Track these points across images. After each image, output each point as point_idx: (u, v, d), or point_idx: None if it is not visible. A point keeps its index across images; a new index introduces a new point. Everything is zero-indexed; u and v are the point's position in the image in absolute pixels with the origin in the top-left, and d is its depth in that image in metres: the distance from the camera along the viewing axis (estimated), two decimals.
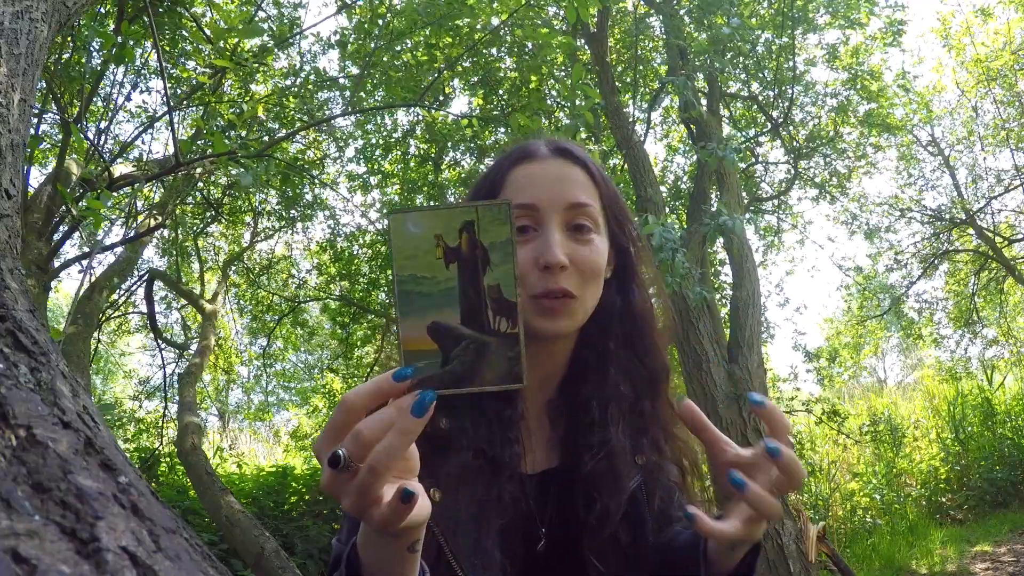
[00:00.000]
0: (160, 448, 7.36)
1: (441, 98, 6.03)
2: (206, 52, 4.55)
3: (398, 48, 5.85)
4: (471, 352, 0.61)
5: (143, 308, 7.45)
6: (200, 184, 6.49)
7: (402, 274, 0.61)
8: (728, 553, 0.80)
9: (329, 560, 0.84)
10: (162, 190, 6.36)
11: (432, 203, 6.99)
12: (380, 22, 5.54)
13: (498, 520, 0.87)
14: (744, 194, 6.77)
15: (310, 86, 6.14)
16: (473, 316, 0.62)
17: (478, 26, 5.77)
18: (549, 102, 6.14)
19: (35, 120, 4.21)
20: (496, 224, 0.62)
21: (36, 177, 5.36)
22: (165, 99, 3.21)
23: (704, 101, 6.28)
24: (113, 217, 6.33)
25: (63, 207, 4.04)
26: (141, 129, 5.78)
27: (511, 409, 0.91)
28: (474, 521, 0.85)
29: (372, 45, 5.53)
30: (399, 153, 7.20)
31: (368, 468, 0.55)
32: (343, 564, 0.69)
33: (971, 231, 9.70)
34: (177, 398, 6.43)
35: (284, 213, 7.54)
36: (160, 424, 7.63)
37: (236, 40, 4.59)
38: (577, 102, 4.91)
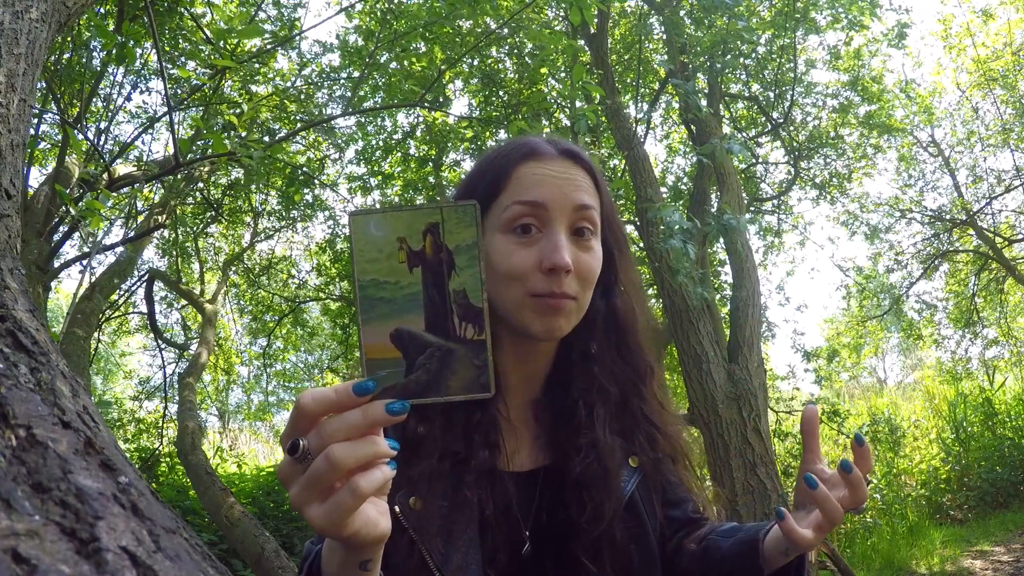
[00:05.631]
0: (160, 448, 7.37)
1: (441, 99, 6.03)
2: (206, 52, 4.55)
3: (399, 49, 5.85)
4: (436, 360, 0.59)
5: (143, 308, 7.47)
6: (200, 184, 6.50)
7: (363, 278, 0.59)
8: (778, 559, 0.88)
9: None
10: (162, 190, 6.37)
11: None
12: (383, 21, 5.55)
13: (477, 523, 0.86)
14: (744, 194, 6.77)
15: (311, 83, 6.15)
16: (438, 322, 0.59)
17: (480, 28, 5.77)
18: (549, 100, 6.14)
19: (35, 120, 4.21)
20: (462, 226, 0.60)
21: (36, 177, 5.37)
22: (165, 99, 3.21)
23: (704, 102, 6.28)
24: (113, 217, 6.34)
25: (63, 207, 4.04)
26: (141, 129, 5.78)
27: (481, 412, 0.91)
28: (453, 526, 0.85)
29: (373, 47, 5.53)
30: (399, 155, 7.20)
31: (324, 456, 0.54)
32: (304, 568, 0.69)
33: (971, 231, 9.70)
34: (177, 398, 6.43)
35: (284, 213, 7.55)
36: (160, 424, 7.64)
37: (236, 40, 4.59)
38: (578, 103, 4.92)
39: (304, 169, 6.72)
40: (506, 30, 5.60)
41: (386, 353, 0.59)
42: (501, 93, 6.45)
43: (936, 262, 9.97)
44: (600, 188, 0.95)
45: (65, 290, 12.25)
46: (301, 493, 0.56)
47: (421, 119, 6.93)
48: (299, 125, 5.95)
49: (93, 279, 5.82)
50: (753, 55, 6.58)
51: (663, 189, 6.96)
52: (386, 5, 5.52)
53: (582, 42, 5.75)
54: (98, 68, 5.05)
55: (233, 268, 8.12)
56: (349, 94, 5.88)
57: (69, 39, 4.54)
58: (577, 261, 0.88)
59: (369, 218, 0.60)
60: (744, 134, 7.62)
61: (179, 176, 5.66)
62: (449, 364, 0.59)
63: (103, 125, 5.59)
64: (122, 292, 7.18)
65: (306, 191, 6.97)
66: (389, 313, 0.59)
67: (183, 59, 4.96)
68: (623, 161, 5.41)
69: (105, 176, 3.89)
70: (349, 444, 0.55)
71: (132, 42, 3.12)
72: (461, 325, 0.60)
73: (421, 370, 0.59)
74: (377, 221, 0.59)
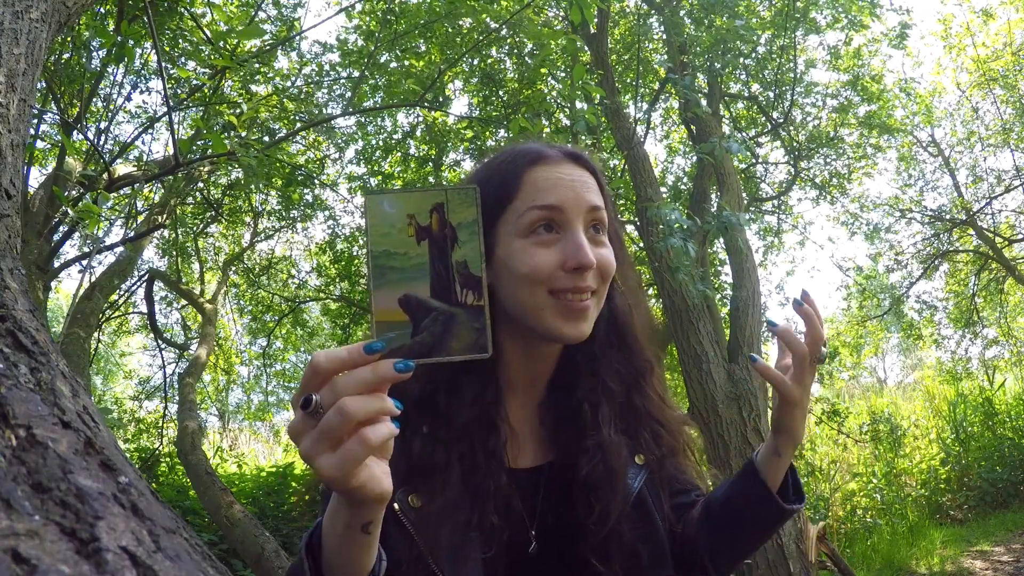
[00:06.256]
0: (160, 448, 7.37)
1: (441, 99, 6.03)
2: (206, 52, 4.55)
3: (399, 50, 5.85)
4: (439, 323, 0.65)
5: (143, 308, 7.47)
6: (200, 184, 6.50)
7: (376, 249, 0.65)
8: (774, 465, 0.96)
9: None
10: (162, 190, 6.37)
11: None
12: (384, 21, 5.55)
13: (478, 521, 0.87)
14: (744, 194, 6.77)
15: (311, 82, 6.14)
16: (442, 289, 0.66)
17: (480, 27, 5.77)
18: (548, 100, 6.14)
19: (35, 120, 4.21)
20: (464, 206, 0.67)
21: (36, 177, 5.37)
22: (165, 99, 3.21)
23: (704, 101, 6.28)
24: (113, 217, 6.34)
25: (62, 208, 4.04)
26: (141, 129, 5.78)
27: (484, 412, 0.92)
28: (454, 524, 0.86)
29: (372, 47, 5.53)
30: (399, 155, 7.21)
31: (336, 409, 0.58)
32: (304, 541, 0.71)
33: (971, 231, 9.70)
34: (177, 398, 6.43)
35: (284, 213, 7.55)
36: (160, 424, 7.64)
37: (236, 40, 4.59)
38: (577, 104, 4.92)
39: (304, 169, 6.72)
40: (505, 30, 5.60)
41: (395, 316, 0.64)
42: (501, 93, 6.45)
43: (936, 262, 9.97)
44: (603, 189, 0.98)
45: (65, 290, 12.27)
46: (313, 445, 0.59)
47: (421, 119, 6.93)
48: (299, 125, 5.95)
49: (93, 279, 5.82)
50: (753, 55, 6.58)
51: (663, 189, 6.96)
52: (386, 5, 5.52)
53: (581, 42, 5.75)
54: (98, 68, 5.05)
55: (233, 268, 8.12)
56: (349, 94, 5.87)
57: (69, 39, 4.54)
58: (598, 258, 0.90)
59: (383, 197, 0.66)
60: (744, 134, 7.61)
61: (179, 176, 5.66)
62: (451, 328, 0.65)
63: (103, 125, 5.59)
64: (122, 292, 7.18)
65: (306, 191, 6.97)
66: (398, 280, 0.65)
67: (183, 59, 4.96)
68: (623, 161, 5.41)
69: (105, 176, 3.89)
70: (360, 398, 0.58)
71: (132, 42, 3.12)
72: (462, 292, 0.66)
73: (426, 332, 0.65)
74: (390, 200, 0.66)
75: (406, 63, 6.01)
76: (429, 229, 0.66)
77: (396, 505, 0.83)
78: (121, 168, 5.21)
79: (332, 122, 6.62)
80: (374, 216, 0.65)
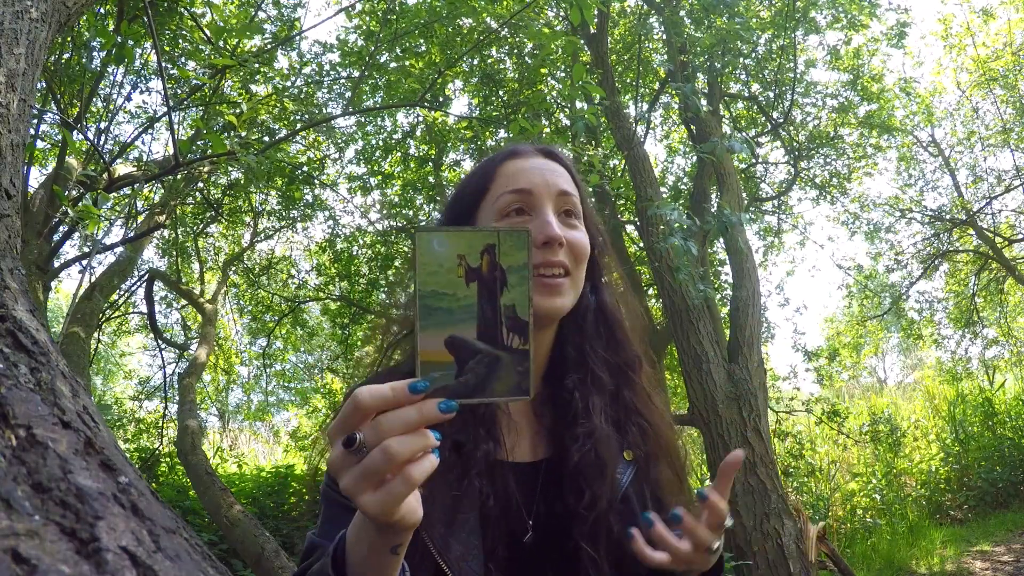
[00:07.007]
0: (160, 448, 7.37)
1: (441, 99, 6.02)
2: (206, 52, 4.55)
3: (400, 50, 5.85)
4: (484, 365, 0.65)
5: (143, 308, 7.47)
6: (200, 184, 6.50)
7: (424, 289, 0.64)
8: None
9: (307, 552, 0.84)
10: (162, 190, 6.37)
11: (435, 207, 7.01)
12: (384, 20, 5.55)
13: (478, 511, 0.89)
14: (744, 194, 6.77)
15: (312, 80, 6.14)
16: (488, 332, 0.65)
17: (480, 27, 5.77)
18: (549, 100, 6.14)
19: (35, 120, 4.21)
20: (515, 249, 0.66)
21: (36, 177, 5.37)
22: (165, 99, 3.21)
23: (704, 102, 6.28)
24: (113, 217, 6.34)
25: (61, 208, 4.04)
26: (141, 129, 5.78)
27: (488, 415, 0.94)
28: (455, 513, 0.87)
29: (372, 47, 5.53)
30: (399, 154, 7.21)
31: (381, 449, 0.58)
32: (329, 555, 0.71)
33: (971, 231, 9.70)
34: (177, 398, 6.43)
35: (284, 213, 7.55)
36: (160, 424, 7.64)
37: (236, 40, 4.59)
38: (577, 103, 4.92)
39: (304, 169, 6.72)
40: (506, 30, 5.60)
41: (439, 357, 0.64)
42: (501, 93, 6.45)
43: (936, 262, 9.96)
44: (578, 184, 1.03)
45: (65, 290, 12.27)
46: (356, 483, 0.60)
47: (421, 119, 6.93)
48: (299, 125, 5.95)
49: (93, 279, 5.82)
50: (753, 55, 6.58)
51: (663, 189, 6.95)
52: (386, 5, 5.52)
53: (581, 42, 5.75)
54: (98, 68, 5.04)
55: (233, 268, 8.12)
56: (349, 94, 5.87)
57: (69, 39, 4.54)
58: (568, 237, 0.95)
59: (433, 236, 0.65)
60: (744, 134, 7.61)
61: (179, 176, 5.66)
62: (496, 370, 0.65)
63: (103, 125, 5.58)
64: (122, 292, 7.18)
65: (306, 191, 6.97)
66: (445, 322, 0.65)
67: (183, 59, 4.95)
68: (623, 161, 5.41)
69: (105, 176, 3.89)
70: (404, 438, 0.59)
71: (132, 42, 3.12)
72: (509, 336, 0.66)
73: (470, 374, 0.65)
74: (440, 239, 0.65)
75: (406, 63, 6.01)
76: (479, 271, 0.65)
77: None
78: (121, 168, 5.22)
79: (332, 122, 6.61)
80: (424, 254, 0.64)
